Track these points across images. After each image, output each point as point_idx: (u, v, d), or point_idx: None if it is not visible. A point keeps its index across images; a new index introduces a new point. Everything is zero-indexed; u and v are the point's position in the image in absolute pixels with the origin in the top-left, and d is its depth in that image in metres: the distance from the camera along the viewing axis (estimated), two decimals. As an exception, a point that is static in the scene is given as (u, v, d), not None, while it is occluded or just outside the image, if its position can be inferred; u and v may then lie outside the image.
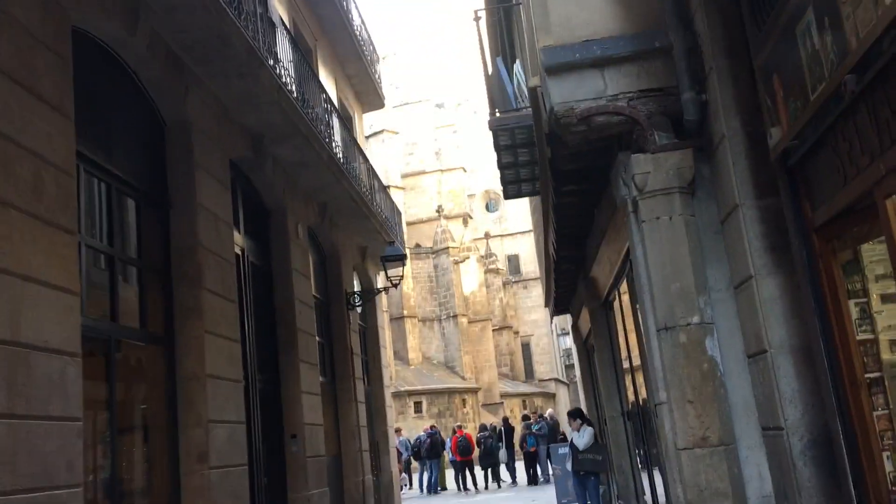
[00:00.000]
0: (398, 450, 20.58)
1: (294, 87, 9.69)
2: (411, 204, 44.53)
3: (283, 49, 9.55)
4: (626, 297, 8.18)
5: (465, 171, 48.84)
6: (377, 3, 61.07)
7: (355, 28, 16.22)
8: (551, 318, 21.38)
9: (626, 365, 9.07)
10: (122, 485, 6.44)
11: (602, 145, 5.97)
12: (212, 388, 7.46)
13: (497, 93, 7.43)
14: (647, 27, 5.41)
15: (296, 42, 10.54)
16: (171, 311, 7.47)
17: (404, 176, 44.75)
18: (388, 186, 18.29)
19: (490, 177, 52.46)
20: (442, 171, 47.88)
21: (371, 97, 18.33)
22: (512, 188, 8.99)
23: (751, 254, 4.75)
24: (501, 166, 8.15)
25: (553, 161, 6.32)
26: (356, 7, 16.71)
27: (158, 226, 7.54)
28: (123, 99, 7.21)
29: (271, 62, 8.74)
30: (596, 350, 10.78)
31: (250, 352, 9.30)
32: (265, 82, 8.40)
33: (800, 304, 4.62)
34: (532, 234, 51.33)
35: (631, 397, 8.90)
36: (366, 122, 22.12)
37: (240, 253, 9.38)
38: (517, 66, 7.71)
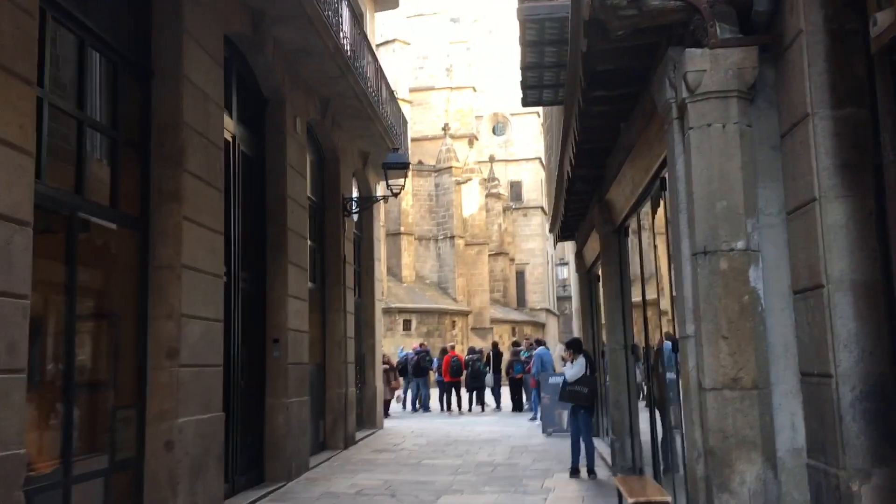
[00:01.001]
0: (390, 364, 20.21)
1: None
2: (417, 119, 43.31)
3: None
4: (646, 222, 7.50)
5: (475, 90, 47.45)
6: None
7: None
8: (555, 244, 20.69)
9: (636, 298, 8.46)
10: (80, 376, 5.85)
11: (647, 41, 5.20)
12: (187, 280, 6.82)
13: (530, -25, 6.58)
14: None
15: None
16: (147, 192, 6.77)
17: (412, 90, 43.42)
18: (396, 98, 17.33)
19: (500, 99, 51.19)
20: (451, 88, 46.46)
21: (386, -5, 17.24)
22: (532, 94, 8.18)
23: (818, 172, 4.04)
24: (525, 66, 7.32)
25: (587, 58, 5.52)
26: None
27: (138, 96, 6.76)
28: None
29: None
30: (603, 279, 10.16)
31: (235, 247, 8.65)
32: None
33: (870, 234, 3.95)
34: (536, 161, 50.57)
35: (639, 332, 8.31)
36: (377, 31, 21.00)
37: (230, 140, 8.63)
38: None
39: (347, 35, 11.24)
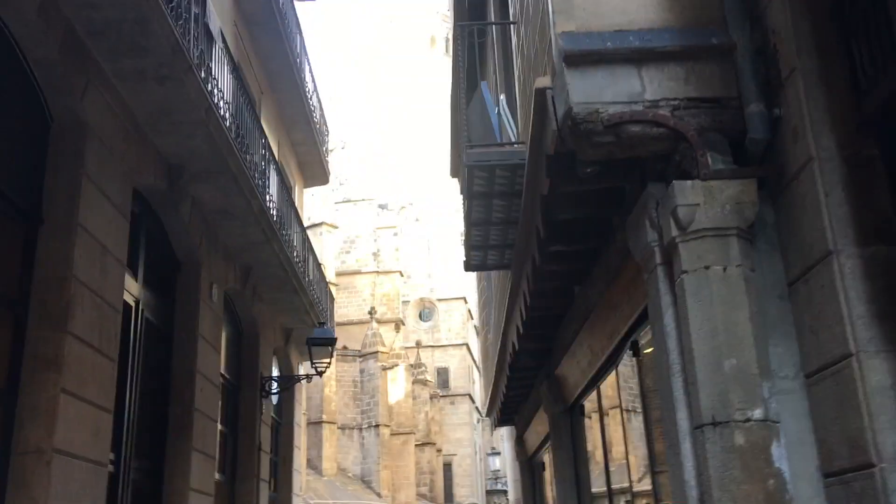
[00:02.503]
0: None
1: (228, 116, 8.14)
2: (343, 303, 42.52)
3: (219, 66, 8.06)
4: (609, 397, 6.62)
5: (402, 275, 47.39)
6: (332, 92, 60.86)
7: (307, 92, 14.93)
8: (493, 429, 19.44)
9: (598, 488, 7.39)
10: None
11: (616, 183, 4.59)
12: (60, 469, 5.50)
13: (477, 123, 6.04)
14: (699, 24, 4.12)
15: (236, 67, 9.09)
16: (19, 358, 5.57)
17: (339, 273, 42.98)
18: (323, 272, 16.64)
19: (425, 285, 51.19)
20: (378, 272, 46.30)
21: (315, 170, 16.89)
22: (476, 255, 7.47)
23: (851, 322, 3.29)
24: (472, 221, 6.64)
25: (548, 203, 4.85)
26: (311, 72, 15.51)
27: (20, 244, 5.73)
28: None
29: (203, 76, 7.22)
30: (554, 466, 9.06)
31: (128, 430, 7.31)
32: (191, 94, 6.85)
33: (929, 398, 3.16)
34: (464, 348, 49.91)
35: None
36: (305, 214, 20.63)
37: (133, 304, 7.54)
38: (502, 100, 6.38)
39: (274, 199, 10.55)
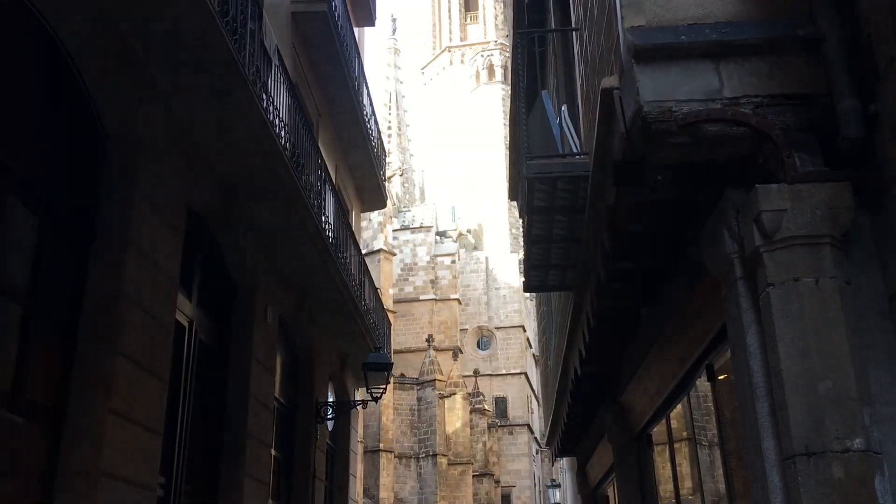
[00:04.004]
0: None
1: (283, 135, 8.03)
2: (401, 331, 42.45)
3: (276, 85, 7.97)
4: (679, 426, 6.19)
5: (460, 303, 47.12)
6: (392, 118, 61.41)
7: (365, 115, 14.88)
8: (553, 460, 18.90)
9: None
10: None
11: (689, 192, 4.23)
12: (107, 492, 5.34)
13: (538, 135, 5.76)
14: (782, 14, 3.78)
15: (293, 86, 9.01)
16: (68, 377, 5.44)
17: (397, 301, 42.97)
18: (380, 296, 16.54)
19: (483, 313, 50.76)
20: (436, 300, 46.14)
21: (373, 194, 16.80)
22: (536, 275, 7.13)
23: (968, 339, 2.88)
24: (532, 238, 6.33)
25: (615, 214, 4.53)
26: (368, 96, 15.47)
27: (70, 261, 5.63)
28: (48, 84, 5.49)
29: (258, 92, 7.12)
30: (617, 500, 8.60)
31: (179, 453, 7.14)
32: (245, 109, 6.74)
33: None
34: (522, 377, 49.21)
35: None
36: (362, 241, 20.56)
37: (186, 324, 7.42)
38: (563, 111, 6.08)
39: (330, 222, 10.41)
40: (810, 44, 3.64)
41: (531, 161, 5.38)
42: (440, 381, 39.51)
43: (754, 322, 3.65)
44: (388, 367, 12.08)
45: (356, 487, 16.68)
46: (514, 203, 14.89)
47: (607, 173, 4.33)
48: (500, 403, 48.89)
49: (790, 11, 3.76)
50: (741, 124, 3.57)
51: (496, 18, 61.44)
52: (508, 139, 11.62)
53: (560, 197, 5.68)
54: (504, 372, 49.42)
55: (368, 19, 17.57)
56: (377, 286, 16.13)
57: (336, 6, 12.35)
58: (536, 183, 5.47)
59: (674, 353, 5.64)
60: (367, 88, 15.31)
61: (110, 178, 5.92)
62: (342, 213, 11.93)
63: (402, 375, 39.28)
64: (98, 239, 5.76)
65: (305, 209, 8.72)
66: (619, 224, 4.65)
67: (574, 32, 6.06)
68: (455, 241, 50.42)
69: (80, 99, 5.71)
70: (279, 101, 8.24)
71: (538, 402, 44.21)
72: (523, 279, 7.45)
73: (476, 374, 46.32)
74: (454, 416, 40.39)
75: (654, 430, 7.15)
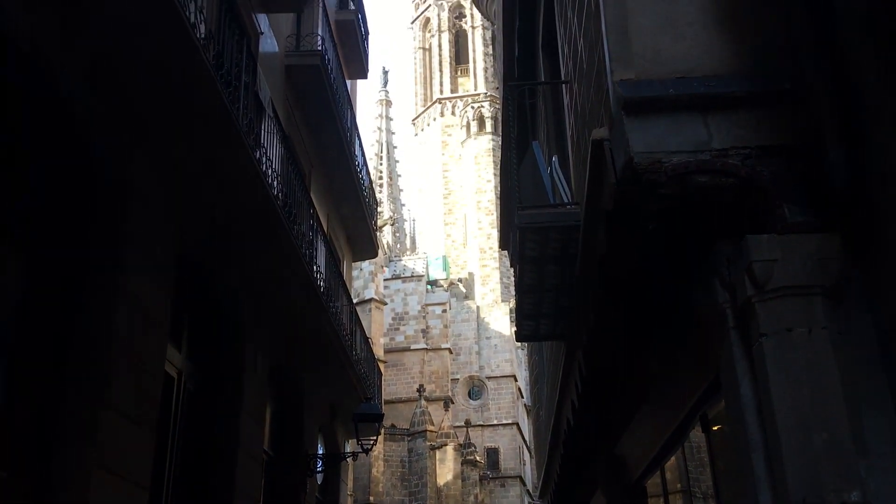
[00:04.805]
0: None
1: (276, 185, 8.06)
2: (391, 381, 42.10)
3: (269, 136, 8.03)
4: (674, 477, 6.12)
5: (451, 352, 46.86)
6: (382, 168, 61.80)
7: (357, 166, 14.98)
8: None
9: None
10: None
11: (678, 240, 4.25)
12: (90, 549, 5.20)
13: (529, 185, 5.80)
14: (769, 66, 3.84)
15: (286, 136, 9.07)
16: (52, 428, 5.36)
17: (388, 351, 42.70)
18: (371, 346, 16.48)
19: (474, 363, 50.46)
20: (427, 349, 45.86)
21: (364, 244, 16.83)
22: (528, 325, 7.11)
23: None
24: (522, 288, 6.34)
25: (606, 264, 4.54)
26: (360, 146, 15.59)
27: (58, 307, 5.59)
28: (37, 124, 5.49)
29: (252, 143, 7.16)
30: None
31: (165, 507, 7.01)
32: (239, 160, 6.76)
33: None
34: (514, 427, 48.71)
35: None
36: (353, 290, 20.52)
37: (175, 375, 7.35)
38: (554, 161, 6.14)
39: (322, 271, 10.40)
40: (797, 95, 3.70)
41: (522, 211, 5.41)
42: (431, 431, 39.05)
43: (748, 372, 3.64)
44: (379, 418, 11.96)
45: (345, 542, 16.36)
46: (506, 252, 14.92)
47: (598, 222, 4.35)
48: (492, 455, 48.28)
49: (776, 63, 3.83)
50: (730, 175, 3.60)
51: (486, 71, 62.39)
52: (499, 189, 11.71)
53: (551, 247, 5.69)
54: (496, 422, 48.90)
55: (361, 72, 17.81)
56: (368, 336, 16.05)
57: (329, 59, 12.53)
58: (528, 232, 5.49)
59: (668, 404, 5.61)
60: (360, 139, 15.44)
61: (100, 221, 5.90)
62: (334, 263, 11.93)
63: (393, 426, 38.85)
64: (86, 285, 5.73)
65: (297, 259, 8.71)
66: (610, 273, 4.65)
67: (564, 85, 6.15)
68: (446, 291, 50.36)
69: (71, 142, 5.72)
70: (272, 151, 8.30)
71: (530, 453, 43.73)
72: (515, 328, 7.42)
73: (468, 424, 45.80)
74: (445, 467, 39.83)
75: (649, 481, 7.06)
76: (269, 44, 10.72)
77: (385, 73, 67.69)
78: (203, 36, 6.05)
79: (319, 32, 12.39)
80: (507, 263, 33.74)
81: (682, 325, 4.73)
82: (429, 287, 49.42)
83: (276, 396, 10.90)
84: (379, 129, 65.80)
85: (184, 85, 5.87)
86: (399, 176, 67.42)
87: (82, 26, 5.22)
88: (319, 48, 12.17)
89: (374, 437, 12.20)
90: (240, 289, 8.55)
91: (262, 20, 10.31)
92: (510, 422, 48.10)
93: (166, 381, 6.94)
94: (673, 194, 3.67)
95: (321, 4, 12.91)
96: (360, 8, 17.23)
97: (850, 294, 3.53)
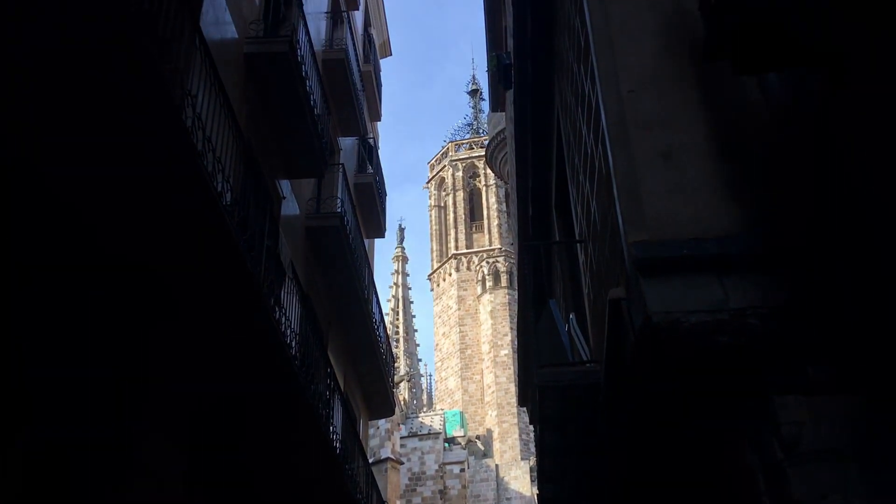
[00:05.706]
0: None
1: (294, 346, 8.09)
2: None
3: (289, 297, 8.15)
4: None
5: (473, 517, 45.00)
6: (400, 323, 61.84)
7: (374, 324, 15.06)
8: None
9: None
10: None
11: (702, 400, 4.19)
12: None
13: (547, 343, 5.79)
14: (785, 225, 3.92)
15: (305, 296, 9.19)
16: None
17: (406, 514, 41.12)
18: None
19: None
20: (447, 520, 44.12)
21: (381, 402, 16.59)
22: (550, 489, 6.87)
23: None
24: (543, 450, 6.18)
25: (630, 428, 4.46)
26: (377, 304, 15.74)
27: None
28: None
29: (272, 304, 7.26)
30: None
31: None
32: (258, 326, 6.84)
33: None
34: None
35: None
36: (369, 451, 20.09)
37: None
38: (571, 319, 6.16)
39: (338, 432, 10.22)
40: (812, 255, 3.74)
41: (542, 370, 5.38)
42: None
43: (785, 540, 3.47)
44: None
45: None
46: (524, 409, 14.65)
47: (619, 383, 4.31)
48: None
49: (789, 220, 3.89)
50: (751, 336, 3.59)
51: (500, 227, 63.80)
52: (517, 344, 11.72)
53: (572, 405, 5.60)
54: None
55: (378, 231, 18.26)
56: (384, 498, 15.51)
57: (348, 221, 12.89)
58: (548, 391, 5.42)
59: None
60: (377, 295, 15.61)
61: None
62: (350, 422, 11.74)
63: None
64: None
65: (313, 422, 8.59)
66: (633, 437, 4.56)
67: (578, 244, 6.28)
68: (464, 448, 49.02)
69: (93, 328, 5.82)
70: (291, 311, 8.39)
71: None
72: (536, 491, 7.15)
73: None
74: None
75: None
76: (290, 207, 11.10)
77: (402, 229, 69.46)
78: (229, 203, 6.29)
79: (339, 196, 12.83)
80: (527, 420, 33.05)
81: (714, 485, 4.57)
82: (446, 445, 48.19)
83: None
84: (395, 284, 66.65)
85: (209, 258, 6.02)
86: (416, 331, 67.49)
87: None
88: (339, 210, 12.56)
89: None
90: (256, 453, 8.38)
91: (285, 185, 10.73)
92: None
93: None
94: (694, 354, 3.65)
95: (341, 170, 13.44)
96: (377, 171, 17.91)
97: (885, 455, 3.42)
